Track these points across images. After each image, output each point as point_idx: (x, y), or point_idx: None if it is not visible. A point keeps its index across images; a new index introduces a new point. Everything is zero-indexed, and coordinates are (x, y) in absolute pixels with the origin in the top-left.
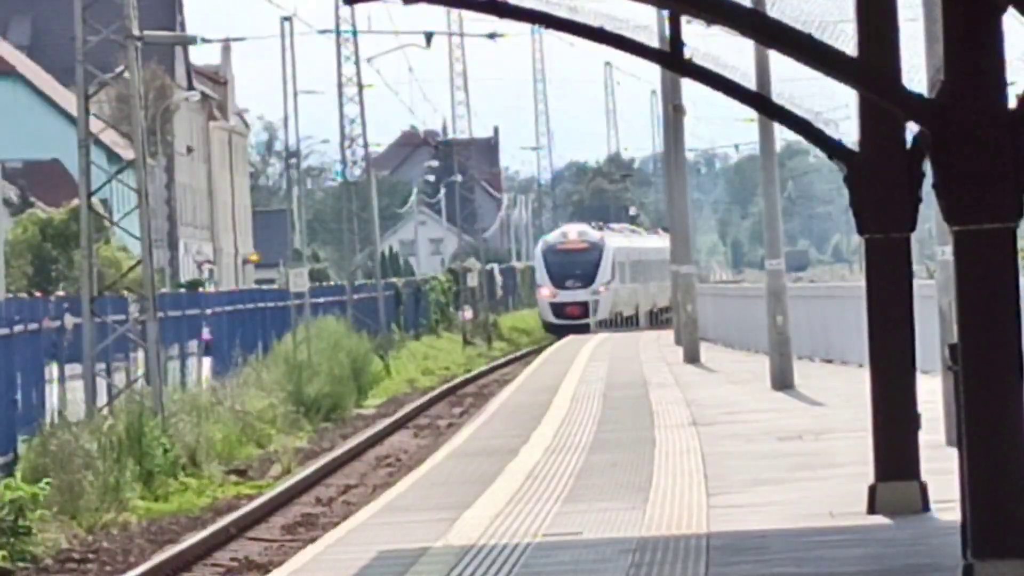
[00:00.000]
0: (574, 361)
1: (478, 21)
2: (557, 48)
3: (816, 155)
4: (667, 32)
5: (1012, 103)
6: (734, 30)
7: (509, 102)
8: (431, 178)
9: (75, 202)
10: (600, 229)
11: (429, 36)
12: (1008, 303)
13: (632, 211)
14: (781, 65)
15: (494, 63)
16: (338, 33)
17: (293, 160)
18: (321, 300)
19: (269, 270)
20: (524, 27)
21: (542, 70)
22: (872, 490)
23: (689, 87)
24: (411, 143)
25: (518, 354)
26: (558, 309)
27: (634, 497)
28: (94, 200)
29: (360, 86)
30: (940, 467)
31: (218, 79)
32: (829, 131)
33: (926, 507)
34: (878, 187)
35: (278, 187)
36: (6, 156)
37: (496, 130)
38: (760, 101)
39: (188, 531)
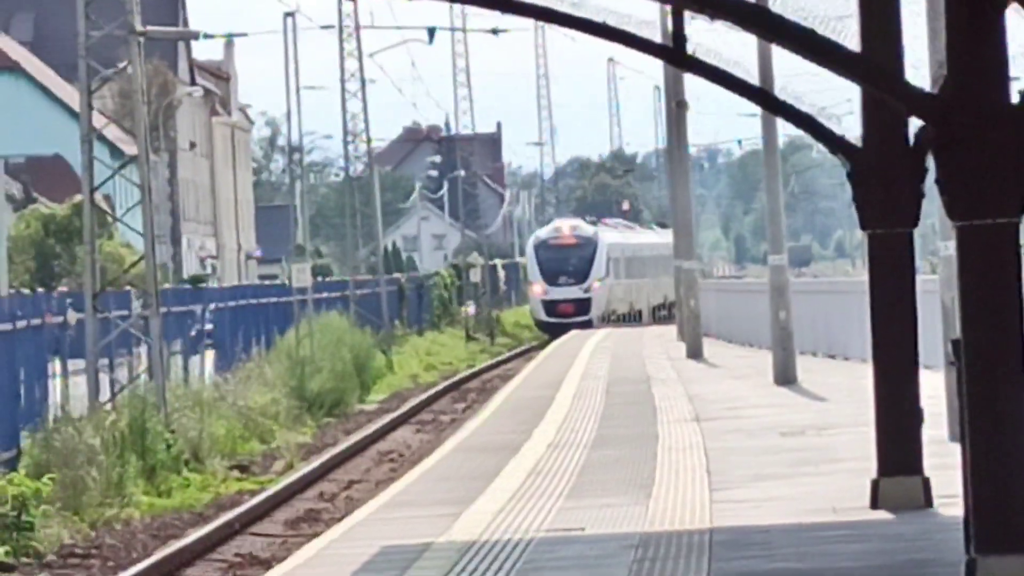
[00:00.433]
0: (577, 357)
1: (481, 16)
2: (560, 43)
3: (819, 150)
4: (670, 27)
5: (1015, 98)
6: (737, 25)
7: (512, 97)
8: (434, 173)
9: (78, 198)
10: (593, 224)
11: (432, 31)
12: (1011, 298)
13: (624, 206)
14: (784, 60)
15: (497, 58)
16: (341, 28)
17: (296, 155)
18: (324, 296)
19: (272, 265)
20: (527, 22)
21: (545, 65)
22: (875, 485)
23: (692, 82)
24: (414, 138)
25: (521, 350)
26: (550, 307)
27: (637, 493)
28: (97, 196)
29: (363, 81)
30: (943, 462)
31: (221, 74)
32: (832, 126)
33: (929, 503)
34: (881, 182)
35: (281, 182)
36: (9, 151)
37: (499, 125)
38: (763, 96)
39: (191, 527)
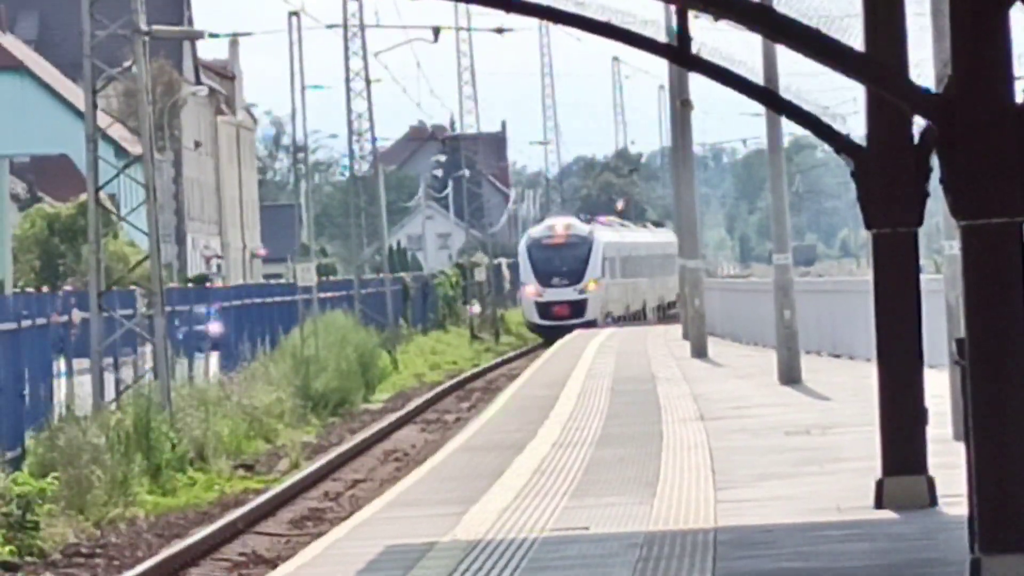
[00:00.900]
0: (581, 355)
1: (485, 16)
2: (565, 43)
3: (824, 150)
4: (675, 27)
5: (1020, 98)
6: (742, 25)
7: (516, 97)
8: (438, 173)
9: (83, 197)
10: (589, 222)
11: (436, 31)
12: (1015, 297)
13: (619, 204)
14: (789, 60)
15: (502, 58)
16: (346, 28)
17: (301, 155)
18: (329, 295)
19: (277, 265)
20: (532, 22)
21: (549, 65)
22: (879, 485)
23: (697, 81)
24: (418, 138)
25: (525, 349)
26: (544, 309)
27: (641, 492)
28: (102, 195)
29: (368, 81)
30: (947, 462)
31: (226, 74)
32: (836, 126)
33: (933, 502)
34: (885, 182)
35: (286, 182)
36: (14, 151)
37: (504, 125)
38: (768, 96)
39: (196, 525)
